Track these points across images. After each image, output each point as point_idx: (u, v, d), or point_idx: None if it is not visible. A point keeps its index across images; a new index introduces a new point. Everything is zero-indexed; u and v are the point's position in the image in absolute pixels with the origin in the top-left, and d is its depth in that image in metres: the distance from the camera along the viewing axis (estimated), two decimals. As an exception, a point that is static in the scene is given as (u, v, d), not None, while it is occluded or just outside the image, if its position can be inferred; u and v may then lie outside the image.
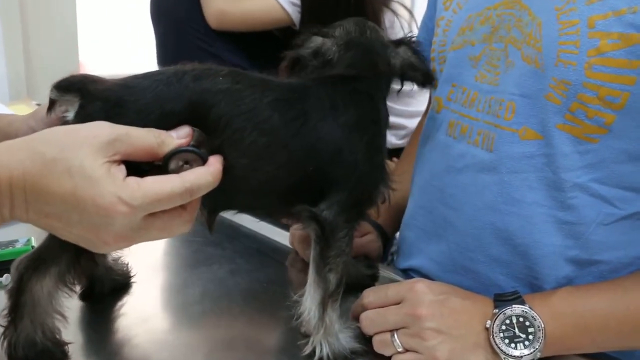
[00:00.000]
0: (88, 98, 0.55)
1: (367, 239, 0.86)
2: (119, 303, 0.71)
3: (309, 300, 0.60)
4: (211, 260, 0.82)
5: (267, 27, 1.29)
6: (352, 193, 0.60)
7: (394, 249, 0.95)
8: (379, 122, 0.64)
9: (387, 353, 0.60)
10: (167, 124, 0.53)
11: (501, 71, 0.67)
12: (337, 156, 0.59)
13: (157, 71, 0.58)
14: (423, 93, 1.39)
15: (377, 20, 1.26)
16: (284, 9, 1.27)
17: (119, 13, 2.65)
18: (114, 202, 0.46)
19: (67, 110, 0.56)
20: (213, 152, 0.54)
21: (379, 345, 0.60)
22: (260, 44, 1.29)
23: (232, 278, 0.77)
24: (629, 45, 0.56)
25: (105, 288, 0.71)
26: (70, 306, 0.64)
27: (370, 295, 0.63)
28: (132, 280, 0.74)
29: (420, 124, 0.99)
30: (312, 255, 0.61)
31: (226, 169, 0.53)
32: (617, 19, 0.56)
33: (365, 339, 0.62)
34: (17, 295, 0.56)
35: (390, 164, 1.25)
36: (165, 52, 1.46)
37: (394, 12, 1.30)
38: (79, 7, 2.14)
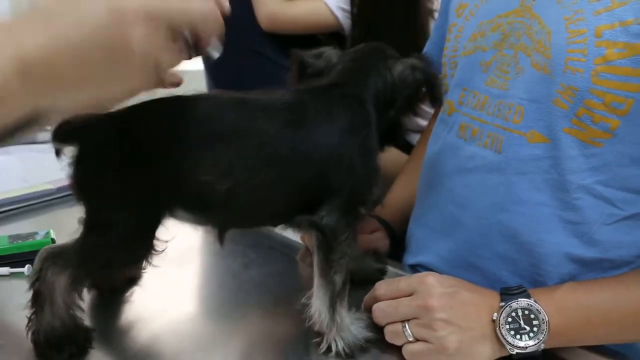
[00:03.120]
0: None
1: (375, 236, 0.89)
2: (136, 294, 0.73)
3: (318, 303, 0.61)
4: (225, 254, 0.83)
5: (316, 30, 1.31)
6: (349, 197, 0.61)
7: None
8: (369, 124, 0.64)
9: (398, 343, 0.62)
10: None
11: (511, 77, 0.70)
12: (333, 161, 0.60)
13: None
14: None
15: (424, 29, 1.29)
16: (333, 13, 1.29)
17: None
18: None
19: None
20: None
21: (391, 335, 0.62)
22: (306, 45, 1.31)
23: (246, 271, 0.79)
24: (634, 54, 0.58)
25: (117, 280, 0.73)
26: (90, 296, 0.66)
27: (382, 288, 0.65)
28: (148, 272, 0.75)
29: (428, 127, 1.02)
30: (315, 260, 0.62)
31: (232, 190, 0.56)
32: (623, 29, 0.59)
33: (377, 329, 0.64)
34: (36, 285, 0.58)
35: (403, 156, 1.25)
36: None
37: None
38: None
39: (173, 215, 0.60)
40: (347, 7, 1.30)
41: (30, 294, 0.58)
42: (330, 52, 0.71)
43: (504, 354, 0.60)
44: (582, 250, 0.66)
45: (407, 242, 0.89)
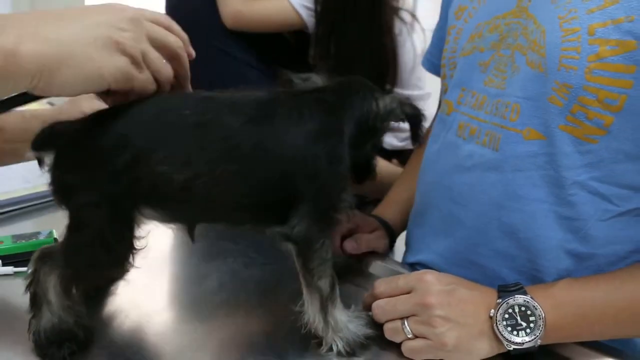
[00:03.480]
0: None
1: (375, 235, 0.89)
2: (136, 294, 0.73)
3: (310, 309, 0.62)
4: (225, 253, 0.84)
5: (280, 29, 1.32)
6: (318, 203, 0.60)
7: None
8: (341, 133, 0.63)
9: (397, 340, 0.62)
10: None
11: (508, 76, 0.70)
12: (297, 163, 0.59)
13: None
14: (425, 99, 1.41)
15: (390, 28, 1.29)
16: (297, 11, 1.29)
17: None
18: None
19: None
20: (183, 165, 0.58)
21: (390, 332, 0.63)
22: (271, 43, 1.29)
23: (246, 271, 0.80)
24: (626, 51, 0.59)
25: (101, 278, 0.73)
26: (79, 294, 0.66)
27: (381, 286, 0.66)
28: (148, 271, 0.74)
29: (428, 129, 1.02)
30: (298, 269, 0.62)
31: (190, 181, 0.57)
32: (615, 26, 0.60)
33: (377, 326, 0.64)
34: (31, 287, 0.59)
35: (391, 166, 1.26)
36: None
37: (402, 20, 1.32)
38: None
39: (141, 213, 0.60)
40: (311, 5, 1.29)
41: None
42: (316, 77, 0.71)
43: (502, 350, 0.61)
44: (578, 245, 0.67)
45: (407, 241, 0.90)
